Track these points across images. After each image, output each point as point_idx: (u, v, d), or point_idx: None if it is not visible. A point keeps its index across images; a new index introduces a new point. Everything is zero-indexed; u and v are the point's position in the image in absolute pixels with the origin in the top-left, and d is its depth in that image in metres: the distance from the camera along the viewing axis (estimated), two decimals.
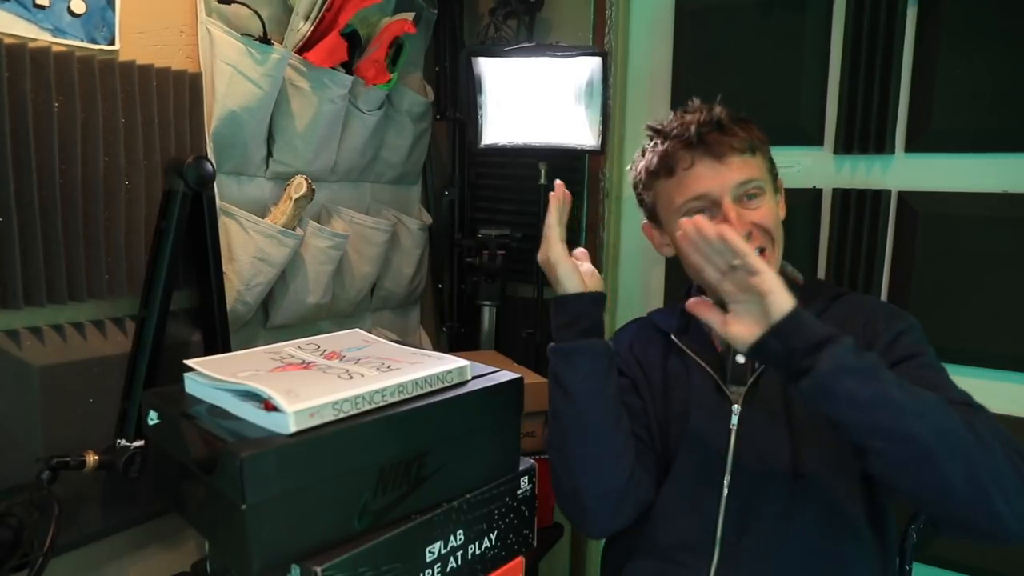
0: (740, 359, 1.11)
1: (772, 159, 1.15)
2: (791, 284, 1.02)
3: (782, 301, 0.86)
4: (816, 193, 1.63)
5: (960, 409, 0.88)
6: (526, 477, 1.08)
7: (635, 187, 1.22)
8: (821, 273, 1.63)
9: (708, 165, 1.07)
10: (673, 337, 1.19)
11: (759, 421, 1.07)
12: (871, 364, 0.85)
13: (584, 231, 1.93)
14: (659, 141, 1.14)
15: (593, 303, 1.08)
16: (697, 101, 1.15)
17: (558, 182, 1.08)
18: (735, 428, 1.07)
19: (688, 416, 1.11)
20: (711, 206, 1.07)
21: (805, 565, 1.02)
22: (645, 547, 1.13)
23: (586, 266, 1.13)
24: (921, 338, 1.06)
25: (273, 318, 1.53)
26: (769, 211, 1.09)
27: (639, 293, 1.95)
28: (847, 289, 1.18)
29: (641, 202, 1.22)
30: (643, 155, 1.18)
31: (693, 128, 1.08)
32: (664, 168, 1.11)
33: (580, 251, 1.12)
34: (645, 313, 1.47)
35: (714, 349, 1.16)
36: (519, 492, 1.08)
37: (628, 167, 1.24)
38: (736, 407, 1.08)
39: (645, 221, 1.25)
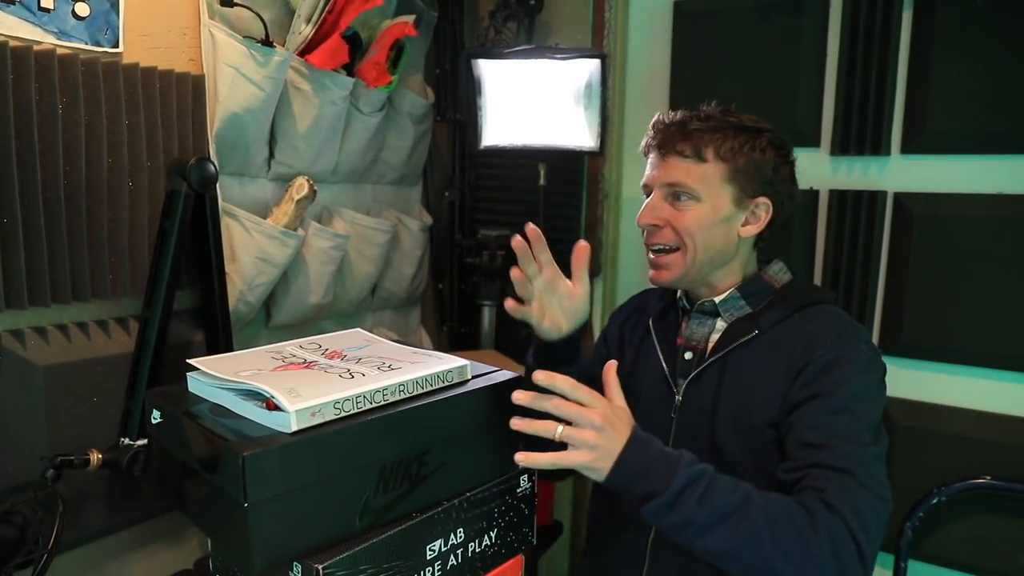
0: (688, 355, 1.15)
1: (755, 180, 1.11)
2: (757, 290, 1.15)
3: (601, 469, 0.89)
4: (813, 194, 1.64)
5: (807, 495, 0.92)
6: (526, 476, 1.09)
7: None
8: (818, 273, 1.64)
9: (655, 158, 1.15)
10: (650, 322, 1.25)
11: (692, 415, 1.12)
12: (685, 517, 0.88)
13: (583, 231, 1.94)
14: None
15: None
16: (713, 103, 1.17)
17: (528, 228, 1.07)
18: (675, 419, 1.13)
19: (639, 402, 1.14)
20: (650, 192, 1.16)
21: None
22: (613, 511, 1.20)
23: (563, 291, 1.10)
24: (858, 369, 1.02)
25: (275, 318, 1.54)
26: (693, 218, 1.10)
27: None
28: (827, 296, 1.15)
29: None
30: None
31: (663, 123, 1.14)
32: (643, 147, 1.19)
33: (581, 244, 1.10)
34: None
35: (675, 340, 1.19)
36: (519, 490, 1.09)
37: None
38: (678, 399, 1.14)
39: None
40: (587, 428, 0.87)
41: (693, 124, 1.11)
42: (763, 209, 1.13)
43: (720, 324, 1.15)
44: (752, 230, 1.13)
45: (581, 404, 0.88)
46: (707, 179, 1.10)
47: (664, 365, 1.17)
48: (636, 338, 1.26)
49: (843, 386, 1.00)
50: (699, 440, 1.09)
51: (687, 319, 1.19)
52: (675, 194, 1.11)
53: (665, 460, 0.90)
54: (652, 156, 1.15)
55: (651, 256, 1.16)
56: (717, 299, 1.15)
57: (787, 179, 1.15)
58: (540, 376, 0.88)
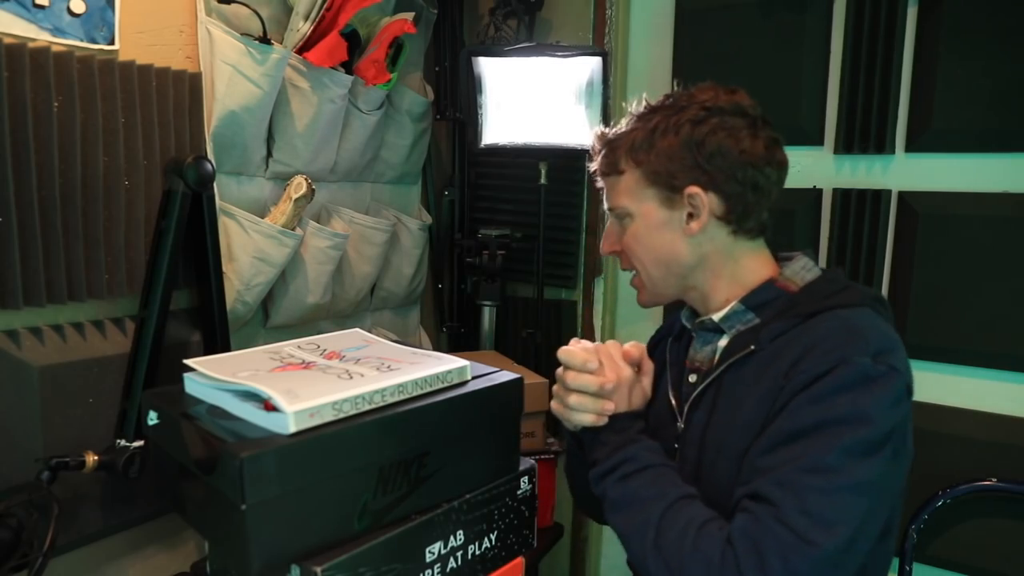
0: (692, 378, 1.01)
1: (676, 170, 0.94)
2: (769, 297, 0.96)
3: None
4: (816, 193, 1.63)
5: (723, 523, 0.84)
6: (526, 477, 1.08)
7: None
8: None
9: (600, 182, 1.06)
10: (668, 344, 1.12)
11: (691, 444, 0.99)
12: (602, 490, 0.94)
13: (584, 231, 1.93)
14: None
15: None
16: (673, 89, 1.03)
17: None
18: (678, 448, 1.01)
19: (652, 431, 1.03)
20: None
21: None
22: None
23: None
24: (846, 384, 0.82)
25: (273, 318, 1.53)
26: (630, 237, 1.00)
27: None
28: (852, 297, 0.92)
29: None
30: None
31: (592, 142, 1.05)
32: None
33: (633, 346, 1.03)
34: (646, 314, 1.48)
35: (684, 363, 1.06)
36: (519, 492, 1.08)
37: None
38: (679, 426, 1.01)
39: None
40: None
41: (609, 135, 1.01)
42: (698, 199, 0.94)
43: (723, 341, 0.99)
44: (697, 226, 0.95)
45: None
46: (630, 191, 0.98)
47: (670, 391, 1.05)
48: (659, 364, 1.10)
49: (818, 404, 0.82)
50: (696, 469, 0.97)
51: (694, 339, 1.05)
52: (618, 216, 1.01)
53: (620, 435, 0.95)
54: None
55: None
56: (717, 316, 0.98)
57: (727, 152, 0.92)
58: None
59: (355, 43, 1.52)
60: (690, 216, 0.95)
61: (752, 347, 0.92)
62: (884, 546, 0.93)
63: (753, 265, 0.98)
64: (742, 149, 0.92)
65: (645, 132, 0.96)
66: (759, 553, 0.77)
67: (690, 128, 0.93)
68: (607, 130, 1.02)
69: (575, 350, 0.98)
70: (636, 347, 1.03)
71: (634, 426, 0.97)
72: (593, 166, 1.04)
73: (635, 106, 1.01)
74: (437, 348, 2.08)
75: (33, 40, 1.05)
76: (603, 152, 1.01)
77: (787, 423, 0.83)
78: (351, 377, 0.94)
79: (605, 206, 1.04)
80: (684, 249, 0.97)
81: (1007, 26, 1.40)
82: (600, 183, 1.04)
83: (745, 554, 0.78)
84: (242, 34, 1.29)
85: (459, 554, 0.99)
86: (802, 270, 0.98)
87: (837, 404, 0.81)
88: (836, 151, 1.60)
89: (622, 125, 1.00)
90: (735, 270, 0.98)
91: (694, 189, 0.93)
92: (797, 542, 0.77)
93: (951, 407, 1.52)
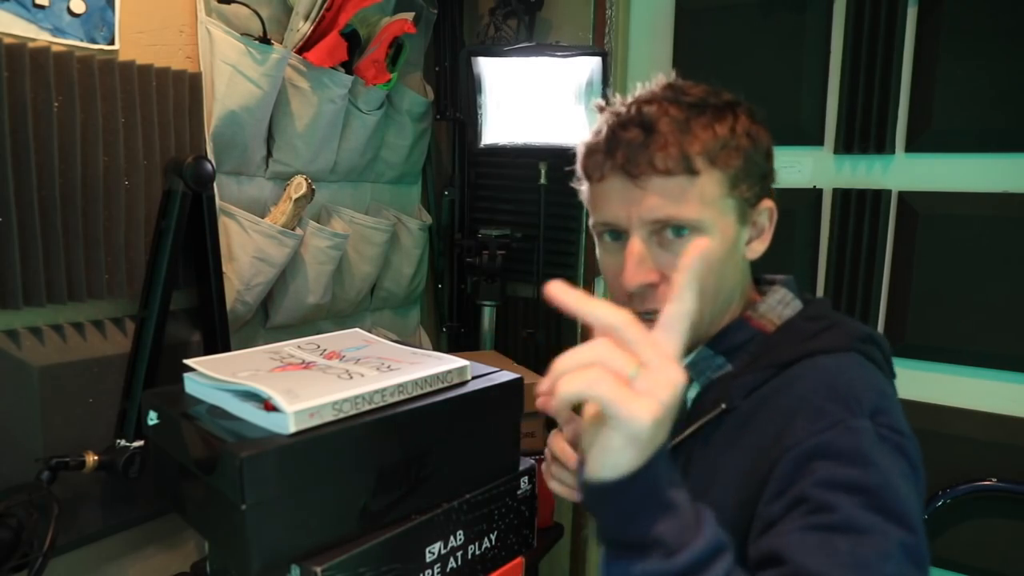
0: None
1: (754, 179, 0.78)
2: (742, 339, 0.79)
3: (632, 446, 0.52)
4: (816, 193, 1.63)
5: None
6: (526, 477, 1.08)
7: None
8: (821, 273, 1.63)
9: (620, 183, 0.76)
10: None
11: None
12: None
13: (583, 231, 1.93)
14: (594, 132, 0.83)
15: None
16: (661, 77, 0.86)
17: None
18: None
19: None
20: (624, 234, 0.78)
21: None
22: None
23: None
24: (864, 455, 0.64)
25: (273, 318, 1.53)
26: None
27: None
28: (837, 340, 0.76)
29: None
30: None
31: (619, 126, 0.78)
32: (583, 170, 0.83)
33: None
34: None
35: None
36: (519, 492, 1.08)
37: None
38: None
39: None
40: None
41: (662, 122, 0.75)
42: (766, 216, 0.81)
43: (693, 392, 0.81)
44: (759, 247, 0.81)
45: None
46: (707, 199, 0.75)
47: None
48: None
49: (840, 491, 0.62)
50: None
51: None
52: (675, 231, 0.75)
53: (687, 504, 0.54)
54: (611, 181, 0.77)
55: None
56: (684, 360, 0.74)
57: (772, 161, 0.81)
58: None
59: (355, 43, 1.52)
60: (750, 238, 0.80)
61: (723, 406, 0.75)
62: None
63: (747, 290, 0.83)
64: (770, 152, 0.81)
65: (721, 128, 0.76)
66: None
67: (758, 129, 0.79)
68: (628, 110, 0.78)
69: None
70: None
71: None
72: (620, 158, 0.76)
73: (660, 92, 0.81)
74: (437, 348, 2.08)
75: (33, 40, 1.05)
76: (655, 142, 0.74)
77: (816, 518, 0.61)
78: (351, 377, 0.93)
79: (635, 215, 0.75)
80: (741, 276, 0.81)
81: (1007, 26, 1.39)
82: (625, 181, 0.76)
83: None
84: (242, 34, 1.29)
85: (459, 554, 0.99)
86: (779, 304, 0.81)
87: (866, 481, 0.62)
88: (836, 151, 1.60)
89: (654, 112, 0.77)
90: (742, 297, 0.83)
91: (767, 204, 0.79)
92: None
93: (951, 407, 1.52)
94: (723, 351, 0.80)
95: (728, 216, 0.77)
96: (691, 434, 0.77)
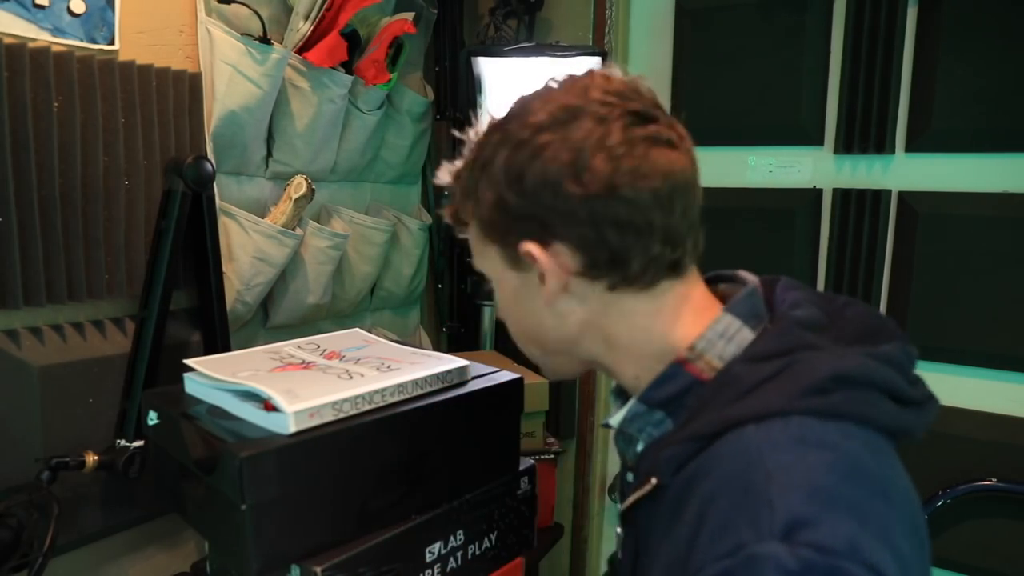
0: (629, 477, 0.70)
1: (506, 219, 0.65)
2: (678, 389, 0.64)
3: None
4: (816, 193, 1.63)
5: None
6: (526, 477, 1.08)
7: None
8: (821, 273, 1.63)
9: None
10: None
11: (625, 552, 0.72)
12: None
13: None
14: None
15: None
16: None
17: None
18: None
19: None
20: None
21: None
22: None
23: None
24: None
25: (273, 318, 1.53)
26: (500, 302, 0.72)
27: None
28: (779, 401, 0.57)
29: None
30: None
31: None
32: None
33: None
34: None
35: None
36: (519, 492, 1.08)
37: None
38: (618, 530, 0.75)
39: None
40: None
41: (456, 166, 0.72)
42: (528, 261, 0.65)
43: (641, 444, 0.69)
44: (551, 295, 0.65)
45: None
46: (477, 251, 0.71)
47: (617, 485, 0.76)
48: None
49: None
50: None
51: None
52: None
53: None
54: None
55: None
56: (614, 420, 0.70)
57: (554, 183, 0.61)
58: None
59: (355, 43, 1.52)
60: (541, 278, 0.65)
61: (653, 481, 0.62)
62: None
63: (657, 328, 0.65)
64: (575, 174, 0.60)
65: (470, 169, 0.68)
66: None
67: (506, 155, 0.63)
68: (457, 161, 0.71)
69: None
70: None
71: None
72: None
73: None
74: (437, 348, 2.08)
75: (33, 40, 1.05)
76: (449, 193, 0.72)
77: None
78: (351, 377, 0.94)
79: None
80: (548, 321, 0.68)
81: (1007, 26, 1.40)
82: None
83: None
84: (242, 34, 1.29)
85: (459, 554, 0.99)
86: (720, 339, 0.64)
87: None
88: (836, 151, 1.60)
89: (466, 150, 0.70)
90: (632, 337, 0.66)
91: (527, 246, 0.63)
92: None
93: (951, 407, 1.52)
94: (658, 405, 0.65)
95: (496, 262, 0.70)
96: (634, 504, 0.65)
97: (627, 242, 0.61)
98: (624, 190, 0.60)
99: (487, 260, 0.70)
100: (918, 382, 0.64)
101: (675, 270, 0.64)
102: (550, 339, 0.70)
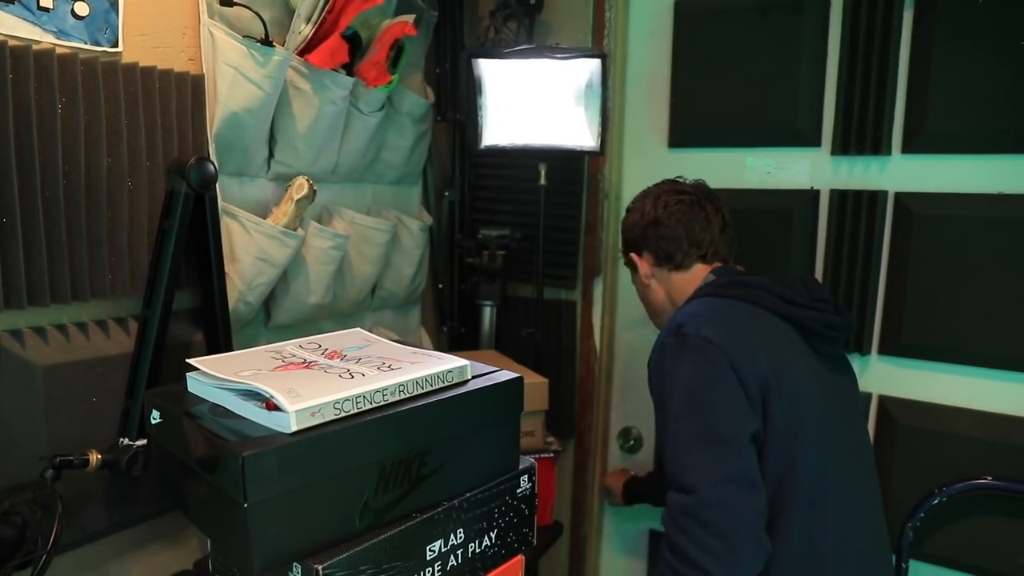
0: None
1: (625, 246, 1.48)
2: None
3: None
4: (814, 194, 1.64)
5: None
6: (526, 476, 1.09)
7: None
8: (819, 273, 1.64)
9: None
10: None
11: None
12: None
13: (583, 231, 1.94)
14: None
15: None
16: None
17: None
18: None
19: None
20: None
21: None
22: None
23: None
24: (664, 365, 1.19)
25: (275, 318, 1.54)
26: (639, 295, 1.50)
27: None
28: (696, 295, 1.31)
29: None
30: None
31: None
32: None
33: None
34: (645, 314, 1.50)
35: None
36: (519, 491, 1.08)
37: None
38: None
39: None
40: None
41: None
42: (632, 261, 1.46)
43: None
44: (641, 275, 1.44)
45: None
46: (631, 271, 1.50)
47: None
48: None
49: (656, 393, 1.22)
50: None
51: None
52: None
53: None
54: None
55: None
56: None
57: (643, 231, 1.40)
58: None
59: (356, 45, 1.52)
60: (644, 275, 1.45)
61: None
62: (789, 493, 1.14)
63: (689, 288, 1.36)
64: (641, 217, 1.41)
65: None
66: (669, 512, 1.15)
67: (623, 218, 1.50)
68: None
69: None
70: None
71: None
72: None
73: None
74: (437, 348, 2.09)
75: (38, 42, 1.06)
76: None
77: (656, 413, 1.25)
78: (352, 376, 0.94)
79: None
80: (650, 296, 1.46)
81: (1003, 27, 1.40)
82: None
83: (665, 518, 1.16)
84: (244, 36, 1.29)
85: (459, 552, 1.00)
86: (702, 283, 1.34)
87: (654, 384, 1.23)
88: (833, 152, 1.61)
89: None
90: (683, 292, 1.38)
91: (631, 255, 1.46)
92: (679, 494, 1.11)
93: (946, 406, 1.53)
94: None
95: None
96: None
97: (670, 247, 1.38)
98: (663, 224, 1.38)
99: (633, 275, 1.48)
100: (822, 301, 1.26)
101: (703, 260, 1.37)
102: (654, 305, 1.44)
